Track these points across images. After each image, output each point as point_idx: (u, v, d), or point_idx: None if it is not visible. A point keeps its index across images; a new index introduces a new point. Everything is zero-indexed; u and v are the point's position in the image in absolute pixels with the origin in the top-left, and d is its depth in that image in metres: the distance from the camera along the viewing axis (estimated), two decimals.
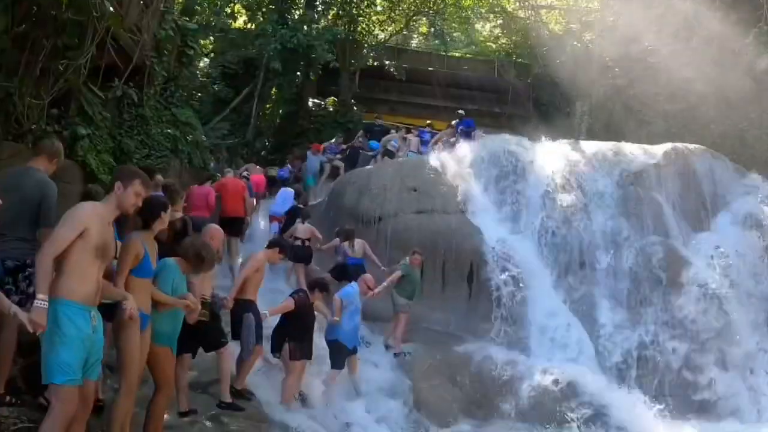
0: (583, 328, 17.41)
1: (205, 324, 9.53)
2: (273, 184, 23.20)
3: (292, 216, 18.90)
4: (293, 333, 11.86)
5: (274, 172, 24.37)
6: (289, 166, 25.18)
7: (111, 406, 7.22)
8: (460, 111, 27.56)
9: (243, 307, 11.04)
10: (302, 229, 17.65)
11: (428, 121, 29.07)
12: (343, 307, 13.10)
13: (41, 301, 5.83)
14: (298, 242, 17.43)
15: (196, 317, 8.73)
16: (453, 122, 26.31)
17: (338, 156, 25.95)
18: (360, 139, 26.43)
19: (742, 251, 18.84)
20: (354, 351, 13.44)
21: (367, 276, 14.59)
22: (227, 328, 10.88)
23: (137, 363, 7.28)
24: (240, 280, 11.39)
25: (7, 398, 7.59)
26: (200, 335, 9.63)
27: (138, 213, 7.27)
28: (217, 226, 10.93)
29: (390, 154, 24.20)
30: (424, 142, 25.93)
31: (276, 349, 11.99)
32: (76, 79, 12.08)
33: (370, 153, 25.86)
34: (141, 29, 15.57)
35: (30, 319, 5.81)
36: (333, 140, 26.92)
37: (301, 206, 19.09)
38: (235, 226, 17.44)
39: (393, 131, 26.95)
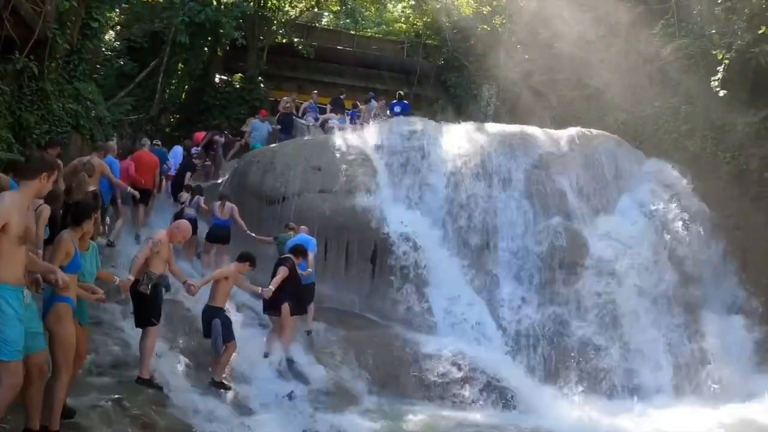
0: (487, 308, 17.69)
1: (145, 298, 10.69)
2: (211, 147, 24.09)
3: (181, 170, 19.71)
4: (290, 294, 14.02)
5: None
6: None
7: (52, 390, 7.62)
8: (400, 92, 28.15)
9: (212, 313, 12.21)
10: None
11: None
12: None
13: None
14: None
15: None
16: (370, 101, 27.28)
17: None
18: (288, 104, 26.41)
19: (641, 233, 19.35)
20: None
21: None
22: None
23: (73, 348, 7.92)
24: (208, 280, 12.67)
25: None
26: (138, 309, 10.82)
27: (69, 214, 8.39)
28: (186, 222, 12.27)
29: (328, 130, 24.58)
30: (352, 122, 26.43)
31: (268, 309, 14.24)
32: None
33: (303, 122, 26.52)
34: (43, 0, 15.14)
35: None
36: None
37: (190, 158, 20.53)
38: (144, 197, 18.00)
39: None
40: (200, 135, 24.55)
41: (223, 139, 24.58)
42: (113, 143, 17.80)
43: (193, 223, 16.91)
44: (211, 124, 26.19)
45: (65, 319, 7.81)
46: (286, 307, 14.04)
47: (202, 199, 17.85)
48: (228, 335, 12.18)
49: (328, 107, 27.88)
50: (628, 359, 17.16)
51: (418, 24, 38.04)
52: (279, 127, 25.54)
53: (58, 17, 16.82)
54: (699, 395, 16.57)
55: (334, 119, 25.58)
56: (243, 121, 27.48)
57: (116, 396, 9.84)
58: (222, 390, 12.13)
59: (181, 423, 10.27)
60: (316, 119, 26.83)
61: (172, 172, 20.64)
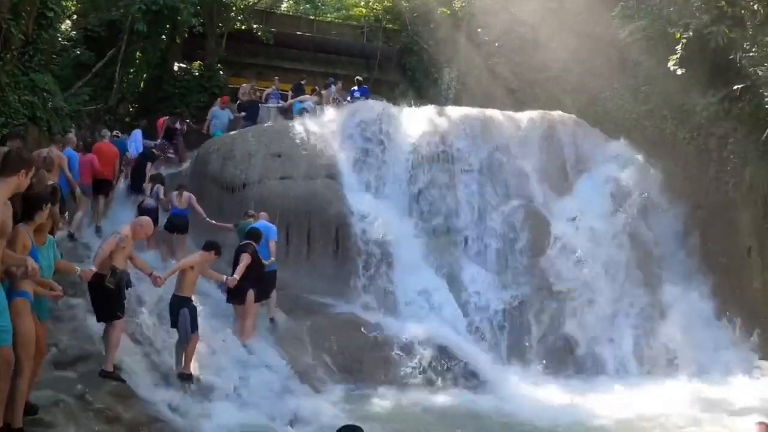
0: (450, 291, 17.79)
1: (109, 293, 10.55)
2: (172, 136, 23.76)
3: (141, 159, 19.49)
4: (253, 281, 14.28)
5: None
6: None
7: (13, 386, 7.53)
8: (358, 78, 28.13)
9: (179, 303, 12.26)
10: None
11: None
12: None
13: None
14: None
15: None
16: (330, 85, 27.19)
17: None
18: (254, 92, 26.77)
19: (601, 214, 19.54)
20: None
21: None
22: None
23: (33, 343, 7.79)
24: (174, 270, 12.64)
25: None
26: (101, 304, 10.69)
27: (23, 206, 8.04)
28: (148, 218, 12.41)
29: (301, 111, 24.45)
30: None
31: (233, 298, 14.47)
32: None
33: (270, 105, 26.58)
34: None
35: None
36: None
37: (153, 149, 20.43)
38: (103, 188, 17.73)
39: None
40: (163, 120, 24.36)
41: (185, 127, 24.33)
42: (72, 135, 17.58)
43: (154, 212, 16.83)
44: (171, 112, 25.91)
45: (24, 314, 7.67)
46: (250, 294, 14.31)
47: (162, 189, 17.65)
48: (194, 325, 12.22)
49: (290, 93, 27.79)
50: (590, 338, 17.42)
51: (378, 8, 37.86)
52: (243, 114, 25.37)
53: (13, 7, 16.58)
54: (659, 371, 16.84)
55: (309, 101, 25.34)
56: (203, 109, 27.31)
57: (79, 389, 9.77)
58: (189, 382, 12.09)
59: (145, 415, 10.25)
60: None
61: (134, 155, 20.37)
